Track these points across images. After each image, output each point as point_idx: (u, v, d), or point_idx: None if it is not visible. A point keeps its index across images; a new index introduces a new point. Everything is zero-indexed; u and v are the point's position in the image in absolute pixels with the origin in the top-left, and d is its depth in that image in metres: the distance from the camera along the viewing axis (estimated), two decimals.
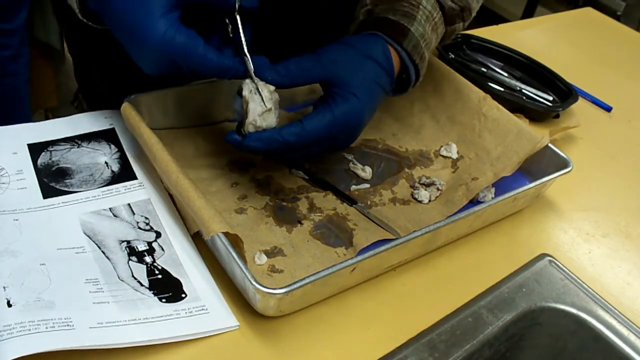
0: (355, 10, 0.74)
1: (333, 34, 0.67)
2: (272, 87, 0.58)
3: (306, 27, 0.76)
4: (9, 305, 0.47)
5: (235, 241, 0.51)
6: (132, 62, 0.57)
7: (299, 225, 0.62)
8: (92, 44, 0.79)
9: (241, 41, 0.56)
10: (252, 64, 0.57)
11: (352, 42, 0.64)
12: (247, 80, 0.57)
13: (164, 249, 0.56)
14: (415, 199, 0.69)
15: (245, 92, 0.57)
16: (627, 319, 0.60)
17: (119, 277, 0.52)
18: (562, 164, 0.70)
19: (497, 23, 1.18)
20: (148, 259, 0.55)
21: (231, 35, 0.57)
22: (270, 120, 0.58)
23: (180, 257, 0.56)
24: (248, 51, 0.56)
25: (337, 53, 0.62)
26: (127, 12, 0.52)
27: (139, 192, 0.61)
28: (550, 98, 0.94)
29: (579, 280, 0.63)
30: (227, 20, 0.57)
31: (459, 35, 1.01)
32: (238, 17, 0.56)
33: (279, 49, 0.60)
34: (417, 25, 0.65)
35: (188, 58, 0.53)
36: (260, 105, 0.57)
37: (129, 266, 0.54)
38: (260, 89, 0.57)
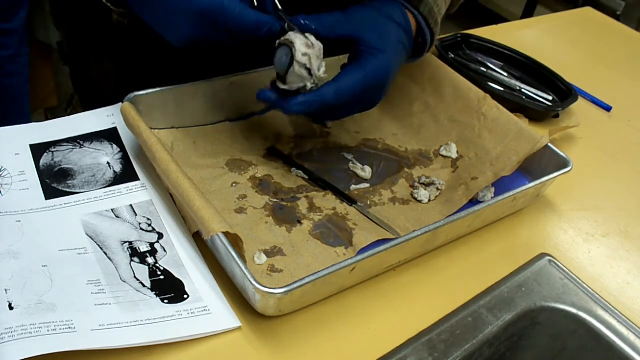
0: None
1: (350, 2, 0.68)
2: (311, 37, 0.60)
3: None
4: (11, 308, 0.47)
5: (235, 241, 0.51)
6: (135, 62, 0.57)
7: (298, 225, 0.62)
8: (93, 47, 0.79)
9: (274, 1, 0.59)
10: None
11: (373, 5, 0.67)
12: (298, 38, 0.59)
13: (166, 250, 0.56)
14: (415, 199, 0.69)
15: (289, 37, 0.59)
16: (627, 318, 0.61)
17: (121, 279, 0.52)
18: (562, 163, 0.70)
19: (496, 23, 1.18)
20: (150, 260, 0.55)
21: (256, 4, 0.59)
22: (317, 45, 0.60)
23: (182, 258, 0.56)
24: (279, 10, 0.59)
25: (361, 13, 0.65)
26: None
27: (141, 193, 0.61)
28: (550, 98, 0.94)
29: (578, 280, 0.63)
30: None
31: (459, 35, 1.01)
32: None
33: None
34: None
35: (227, 15, 0.55)
36: (306, 41, 0.59)
37: (131, 267, 0.54)
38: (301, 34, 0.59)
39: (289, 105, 0.60)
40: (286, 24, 0.59)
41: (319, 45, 0.60)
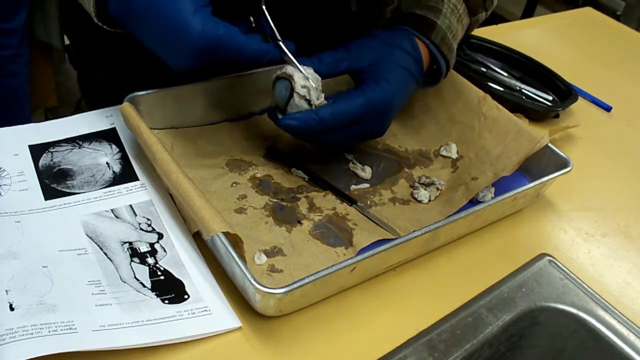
0: (377, 6, 0.78)
1: (353, 31, 0.68)
2: (309, 69, 0.61)
3: (324, 23, 0.77)
4: (12, 309, 0.47)
5: (235, 241, 0.51)
6: (140, 66, 0.57)
7: (298, 225, 0.62)
8: (99, 51, 0.79)
9: (272, 28, 0.59)
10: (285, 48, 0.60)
11: (378, 34, 0.67)
12: (285, 66, 0.61)
13: (166, 250, 0.56)
14: (415, 199, 0.69)
15: (287, 71, 0.60)
16: (627, 318, 0.61)
17: (121, 279, 0.52)
18: (562, 163, 0.70)
19: (496, 23, 1.18)
20: (150, 260, 0.55)
21: (254, 26, 0.60)
22: (315, 77, 0.61)
23: (182, 258, 0.56)
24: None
25: (365, 43, 0.65)
26: (156, 13, 0.54)
27: (140, 193, 0.61)
28: (550, 98, 0.94)
29: (578, 280, 0.63)
30: (250, 14, 0.60)
31: None
32: (264, 7, 0.59)
33: (297, 46, 0.63)
34: (443, 19, 0.68)
35: (228, 48, 0.55)
36: (304, 74, 0.60)
37: (131, 267, 0.54)
38: (299, 65, 0.60)
39: (285, 118, 0.60)
40: (285, 57, 0.59)
41: (317, 77, 0.61)
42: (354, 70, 0.64)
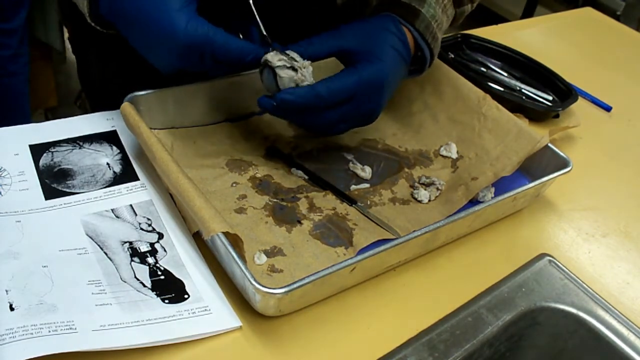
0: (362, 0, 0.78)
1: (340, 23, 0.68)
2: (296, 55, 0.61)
3: (312, 16, 0.77)
4: (12, 309, 0.47)
5: (235, 241, 0.51)
6: (136, 64, 0.57)
7: (298, 225, 0.62)
8: (96, 46, 0.79)
9: (259, 26, 0.60)
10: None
11: (366, 19, 0.67)
12: (269, 54, 0.60)
13: (167, 249, 0.56)
14: (415, 199, 0.69)
15: (264, 58, 0.59)
16: (627, 318, 0.61)
17: (121, 279, 0.53)
18: (562, 163, 0.70)
19: (496, 23, 1.18)
20: (150, 260, 0.55)
21: (241, 37, 0.60)
22: (305, 69, 0.60)
23: (182, 258, 0.56)
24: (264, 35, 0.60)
25: (353, 26, 0.66)
26: (143, 12, 0.54)
27: (141, 193, 0.61)
28: (550, 98, 0.94)
29: (578, 280, 0.63)
30: (239, 18, 0.61)
31: (459, 35, 1.01)
32: (252, 6, 0.60)
33: (285, 40, 0.63)
34: (427, 7, 0.68)
35: (213, 46, 0.55)
36: (277, 51, 0.60)
37: (132, 267, 0.54)
38: (286, 52, 0.60)
39: (280, 93, 0.59)
40: (270, 49, 0.60)
41: (293, 52, 0.61)
42: (343, 51, 0.64)
